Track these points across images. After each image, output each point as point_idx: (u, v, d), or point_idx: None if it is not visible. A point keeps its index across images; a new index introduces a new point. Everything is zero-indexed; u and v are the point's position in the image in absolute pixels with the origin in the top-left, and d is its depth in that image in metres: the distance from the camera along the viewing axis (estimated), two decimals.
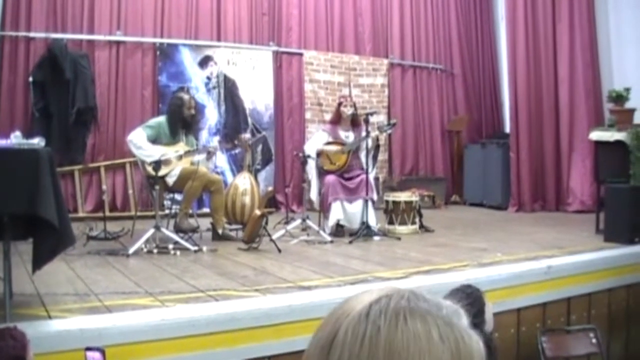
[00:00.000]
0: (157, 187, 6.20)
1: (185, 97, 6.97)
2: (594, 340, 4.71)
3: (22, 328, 2.50)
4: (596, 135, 7.38)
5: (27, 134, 4.43)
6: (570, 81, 9.56)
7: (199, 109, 7.76)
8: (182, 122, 6.75)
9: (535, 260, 5.23)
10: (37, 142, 3.53)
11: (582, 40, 9.50)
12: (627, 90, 7.35)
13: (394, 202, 7.39)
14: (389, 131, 8.04)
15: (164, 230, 6.05)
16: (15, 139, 3.53)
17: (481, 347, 0.82)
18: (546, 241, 6.45)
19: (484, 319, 3.29)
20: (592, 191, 8.80)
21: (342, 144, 7.26)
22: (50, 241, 3.45)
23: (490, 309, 3.40)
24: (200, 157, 6.73)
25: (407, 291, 0.85)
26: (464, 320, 0.84)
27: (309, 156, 7.13)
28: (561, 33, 9.65)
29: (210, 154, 6.83)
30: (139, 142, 6.41)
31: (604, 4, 9.51)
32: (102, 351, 2.64)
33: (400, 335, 0.79)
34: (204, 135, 9.14)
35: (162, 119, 6.84)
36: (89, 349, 2.68)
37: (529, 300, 4.83)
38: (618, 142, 6.91)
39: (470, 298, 3.25)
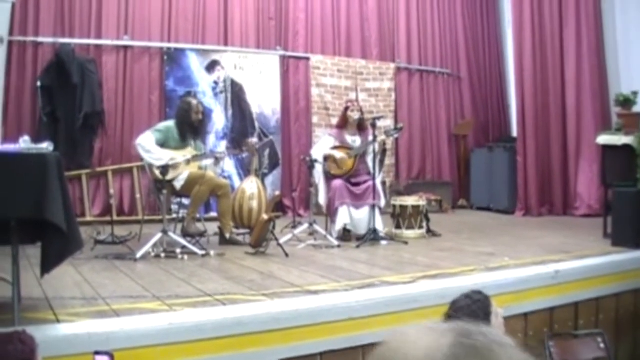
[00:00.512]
0: (164, 191, 6.21)
1: (193, 102, 6.98)
2: (601, 345, 4.69)
3: (30, 332, 2.50)
4: (603, 139, 7.36)
5: (35, 139, 4.45)
6: (577, 85, 9.54)
7: (206, 113, 7.77)
8: (190, 126, 6.75)
9: (542, 265, 5.21)
10: (46, 146, 3.54)
11: (589, 43, 9.48)
12: (635, 94, 7.32)
13: (401, 207, 7.39)
14: (396, 135, 8.05)
15: (171, 234, 6.06)
16: (24, 143, 3.53)
17: None
18: (553, 246, 6.43)
19: (490, 325, 3.27)
20: (599, 195, 8.77)
21: (349, 148, 7.26)
22: (58, 245, 3.46)
23: (499, 315, 3.38)
24: (208, 161, 6.74)
25: (459, 344, 0.82)
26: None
27: (315, 160, 7.13)
28: (568, 36, 9.64)
29: (217, 160, 6.84)
30: (148, 145, 6.41)
31: (611, 7, 9.49)
32: (110, 355, 2.64)
33: None
34: (211, 139, 9.16)
35: (170, 123, 6.85)
36: (97, 353, 2.68)
37: (537, 305, 4.81)
38: (625, 146, 6.88)
39: (476, 305, 3.24)
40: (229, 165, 9.10)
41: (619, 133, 7.20)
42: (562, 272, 5.04)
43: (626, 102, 7.36)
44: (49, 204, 3.22)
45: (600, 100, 9.43)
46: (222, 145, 9.12)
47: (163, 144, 6.51)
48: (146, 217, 7.39)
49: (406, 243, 6.78)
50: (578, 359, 4.69)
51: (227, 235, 6.66)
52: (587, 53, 9.48)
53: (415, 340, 0.83)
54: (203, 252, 5.90)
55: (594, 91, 9.43)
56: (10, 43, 8.11)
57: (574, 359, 4.68)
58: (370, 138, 7.03)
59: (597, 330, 4.89)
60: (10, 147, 3.65)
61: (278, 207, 9.08)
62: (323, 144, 7.46)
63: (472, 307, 2.95)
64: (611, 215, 6.67)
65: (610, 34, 9.50)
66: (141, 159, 6.91)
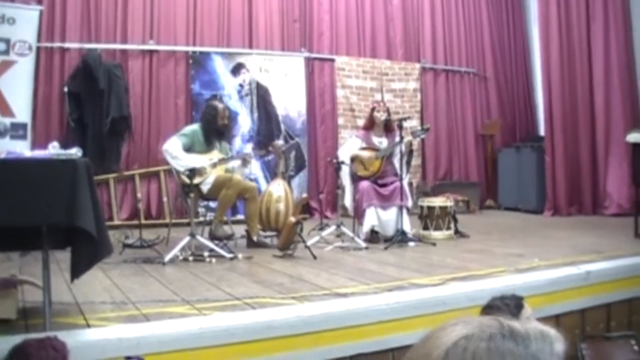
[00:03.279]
0: (191, 195, 6.22)
1: (220, 106, 6.98)
2: (635, 348, 4.62)
3: (61, 337, 2.51)
4: (633, 137, 7.27)
5: (63, 144, 4.46)
6: (606, 82, 9.43)
7: (232, 116, 7.78)
8: (216, 131, 6.77)
9: (573, 266, 5.14)
10: (75, 152, 3.55)
11: (617, 40, 9.37)
12: None
13: (429, 208, 7.35)
14: (422, 136, 8.02)
15: (199, 237, 6.07)
16: (53, 149, 3.55)
17: None
18: (584, 246, 6.35)
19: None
20: (629, 194, 8.67)
21: (376, 149, 7.23)
22: (88, 250, 3.47)
23: (530, 318, 3.34)
24: (235, 163, 6.74)
25: (495, 326, 0.82)
26: (557, 349, 0.81)
27: (342, 162, 7.11)
28: (595, 33, 9.53)
29: (245, 161, 6.84)
30: (175, 151, 6.42)
31: (639, 2, 9.37)
32: None
33: None
34: (237, 142, 9.18)
35: (196, 126, 6.86)
36: (128, 358, 2.69)
37: (568, 306, 4.75)
38: None
39: (507, 307, 3.20)
40: (255, 168, 9.12)
41: None
42: (594, 272, 4.97)
43: None
44: (80, 209, 3.23)
45: (629, 98, 9.32)
46: (248, 148, 9.13)
47: (189, 148, 6.52)
48: (173, 221, 7.43)
49: (434, 244, 6.73)
50: None
51: (255, 238, 6.66)
52: (615, 50, 9.37)
53: (448, 332, 0.83)
54: (231, 255, 5.91)
55: (623, 89, 9.32)
56: (37, 49, 8.19)
57: None
58: (397, 139, 7.00)
59: (630, 332, 4.83)
60: (40, 154, 3.67)
61: (305, 209, 9.07)
62: (350, 146, 7.44)
63: (502, 309, 2.92)
64: None
65: (639, 29, 9.37)
66: (168, 163, 6.93)
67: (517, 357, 0.77)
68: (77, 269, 3.57)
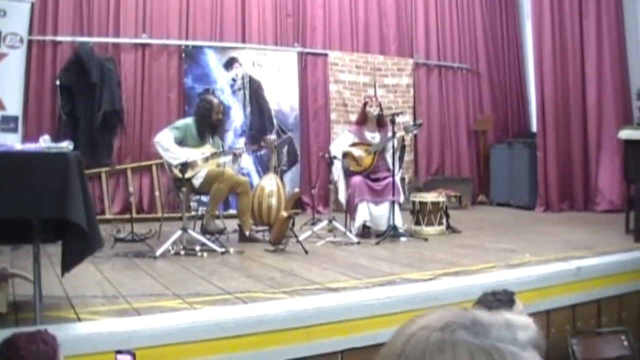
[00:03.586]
0: (183, 189, 6.20)
1: (215, 101, 6.98)
2: (625, 343, 4.64)
3: (52, 331, 2.51)
4: (625, 134, 7.30)
5: (55, 137, 4.45)
6: (598, 78, 9.44)
7: (225, 111, 7.75)
8: (210, 125, 6.76)
9: (564, 262, 5.16)
10: (66, 145, 3.54)
11: (609, 36, 9.38)
12: None
13: (421, 203, 7.34)
14: (415, 131, 8.01)
15: (191, 232, 6.07)
16: (44, 142, 3.53)
17: None
18: (575, 242, 6.37)
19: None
20: (621, 191, 8.70)
21: (368, 144, 7.23)
22: (79, 244, 3.47)
23: (520, 310, 3.34)
24: (226, 159, 6.73)
25: (456, 316, 0.82)
26: (520, 336, 0.80)
27: (334, 157, 7.11)
28: (588, 29, 9.53)
29: (236, 157, 6.83)
30: (166, 144, 6.41)
31: None
32: (132, 354, 2.64)
33: None
34: (229, 136, 9.16)
35: (189, 120, 6.85)
36: (119, 352, 2.68)
37: (559, 302, 4.77)
38: None
39: (498, 302, 3.21)
40: (247, 163, 9.10)
41: None
42: (584, 268, 4.99)
43: None
44: (70, 203, 3.22)
45: (621, 94, 9.33)
46: (241, 142, 9.12)
47: (181, 141, 6.51)
48: (165, 215, 7.40)
49: (426, 240, 6.74)
50: (602, 357, 4.65)
51: (247, 233, 6.66)
52: (608, 46, 9.38)
53: (418, 322, 0.84)
54: (222, 250, 5.90)
55: (615, 85, 9.34)
56: (30, 42, 8.15)
57: (597, 357, 4.64)
58: (390, 134, 7.00)
59: (620, 328, 4.85)
60: (30, 147, 3.66)
61: (297, 204, 9.06)
62: (342, 140, 7.44)
63: (492, 304, 2.93)
64: (634, 211, 6.60)
65: (632, 25, 9.40)
66: (160, 157, 6.92)
67: (470, 346, 0.76)
68: (68, 263, 3.57)
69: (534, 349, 0.81)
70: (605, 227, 7.39)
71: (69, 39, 8.43)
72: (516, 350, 0.78)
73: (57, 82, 8.24)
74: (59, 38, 8.41)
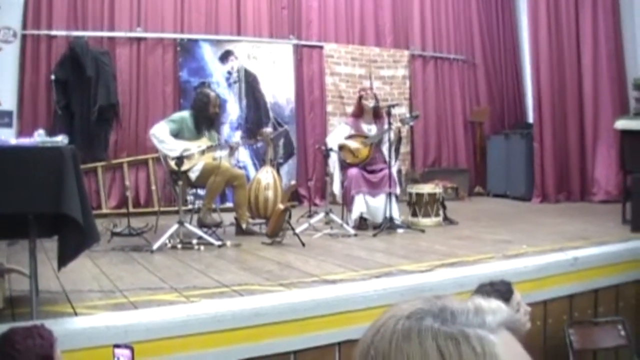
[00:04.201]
0: (180, 182, 6.20)
1: (212, 94, 6.97)
2: (622, 333, 4.66)
3: (48, 325, 2.50)
4: (621, 124, 7.29)
5: (50, 132, 4.44)
6: (594, 69, 9.43)
7: (221, 104, 7.74)
8: (206, 119, 6.76)
9: (561, 252, 5.17)
10: (61, 139, 3.53)
11: (605, 26, 9.36)
12: None
13: (417, 194, 7.34)
14: (412, 123, 8.01)
15: (187, 225, 6.06)
16: (39, 137, 3.53)
17: (505, 350, 0.79)
18: (572, 232, 6.38)
19: None
20: (617, 181, 8.70)
21: (365, 137, 7.22)
22: (75, 238, 3.46)
23: (521, 305, 3.34)
24: (222, 152, 6.72)
25: (423, 304, 0.83)
26: (489, 320, 0.80)
27: (331, 149, 7.10)
28: (584, 19, 9.52)
29: (232, 150, 6.83)
30: (162, 136, 6.41)
31: None
32: (130, 348, 2.64)
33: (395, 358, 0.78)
34: (225, 129, 9.15)
35: (185, 113, 6.84)
36: (117, 346, 2.68)
37: (556, 292, 4.78)
38: None
39: (496, 293, 3.21)
40: (244, 156, 9.10)
41: (637, 118, 7.14)
42: (581, 258, 5.00)
43: None
44: (66, 197, 3.21)
45: (617, 85, 9.32)
46: (237, 136, 9.11)
47: (177, 134, 6.51)
48: (162, 209, 7.40)
49: (423, 231, 6.74)
50: (599, 347, 4.67)
51: (243, 226, 6.66)
52: (603, 37, 9.37)
53: (390, 311, 0.85)
54: (219, 243, 5.90)
55: (611, 76, 9.33)
56: (23, 37, 8.13)
57: (594, 347, 4.66)
58: (386, 126, 6.99)
59: (617, 318, 4.87)
60: (25, 141, 3.65)
61: (293, 196, 9.06)
62: (338, 132, 7.43)
63: (491, 294, 2.93)
64: (630, 201, 6.60)
65: (628, 16, 9.37)
66: (156, 151, 6.92)
67: (436, 333, 0.77)
68: (65, 257, 3.56)
69: (508, 331, 0.81)
70: (601, 218, 7.39)
71: (63, 33, 8.39)
72: (484, 333, 0.78)
73: (52, 77, 8.20)
74: (53, 32, 8.37)
